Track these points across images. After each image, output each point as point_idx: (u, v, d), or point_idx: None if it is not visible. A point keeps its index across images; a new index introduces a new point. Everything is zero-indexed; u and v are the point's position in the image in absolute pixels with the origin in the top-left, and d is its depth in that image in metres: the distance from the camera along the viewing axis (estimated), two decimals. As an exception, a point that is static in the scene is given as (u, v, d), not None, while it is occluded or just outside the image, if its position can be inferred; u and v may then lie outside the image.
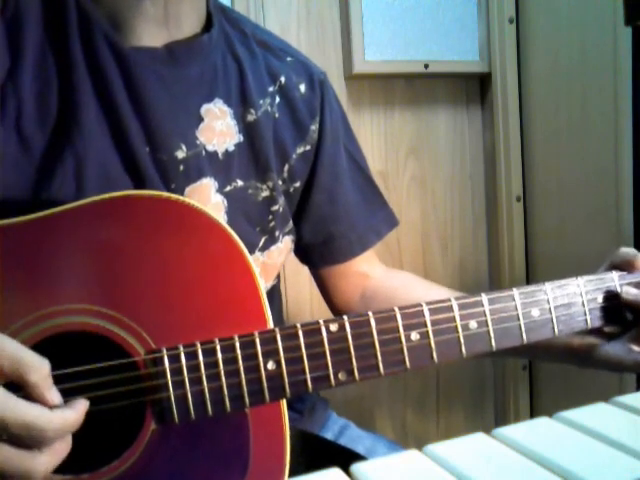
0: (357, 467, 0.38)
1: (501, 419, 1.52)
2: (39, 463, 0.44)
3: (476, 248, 1.49)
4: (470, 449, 0.40)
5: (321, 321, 0.54)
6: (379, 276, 0.85)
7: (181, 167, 0.63)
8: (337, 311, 0.86)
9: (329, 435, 0.82)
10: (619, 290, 0.63)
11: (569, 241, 1.30)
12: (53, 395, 0.46)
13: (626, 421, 0.43)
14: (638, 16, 0.93)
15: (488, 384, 1.53)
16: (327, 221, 0.79)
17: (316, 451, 0.77)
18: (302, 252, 0.82)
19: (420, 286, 0.84)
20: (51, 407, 0.45)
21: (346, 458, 0.74)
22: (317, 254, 0.81)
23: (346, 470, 0.37)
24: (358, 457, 0.75)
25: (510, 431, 0.41)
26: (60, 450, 0.46)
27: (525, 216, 1.42)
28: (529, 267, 1.43)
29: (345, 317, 0.54)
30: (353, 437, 0.82)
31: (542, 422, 0.43)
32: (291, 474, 0.52)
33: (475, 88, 1.45)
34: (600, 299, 0.63)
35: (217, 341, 0.52)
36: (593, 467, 0.36)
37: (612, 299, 0.63)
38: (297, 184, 0.75)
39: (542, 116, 1.35)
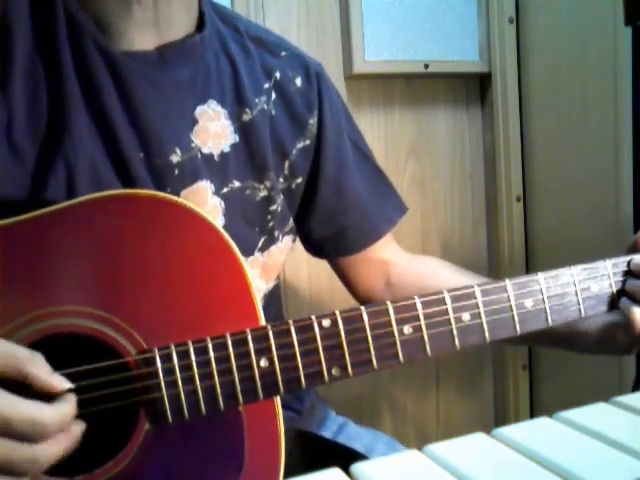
0: (357, 467, 0.38)
1: (501, 419, 1.52)
2: (46, 451, 0.45)
3: (476, 248, 1.49)
4: (470, 449, 0.40)
5: (313, 317, 0.54)
6: (403, 263, 0.84)
7: (176, 171, 0.63)
8: (361, 299, 0.86)
9: (327, 434, 0.82)
10: (612, 278, 0.63)
11: (569, 241, 1.30)
12: (58, 379, 0.47)
13: (626, 421, 0.43)
14: (638, 16, 0.93)
15: (488, 384, 1.53)
16: (336, 213, 0.78)
17: (315, 451, 0.76)
18: (314, 246, 0.81)
19: (448, 271, 0.83)
20: (60, 392, 0.46)
21: (345, 456, 0.74)
22: (330, 247, 0.81)
23: (346, 470, 0.37)
24: (357, 455, 0.75)
25: (510, 431, 0.41)
26: (63, 440, 0.47)
27: (525, 216, 1.42)
28: (529, 267, 1.43)
29: (337, 312, 0.54)
30: (351, 434, 0.82)
31: (542, 422, 0.43)
32: (290, 474, 0.52)
33: (475, 88, 1.45)
34: (593, 288, 0.62)
35: (209, 339, 0.52)
36: (593, 467, 0.36)
37: (605, 287, 0.63)
38: (299, 180, 0.74)
39: (542, 116, 1.34)
